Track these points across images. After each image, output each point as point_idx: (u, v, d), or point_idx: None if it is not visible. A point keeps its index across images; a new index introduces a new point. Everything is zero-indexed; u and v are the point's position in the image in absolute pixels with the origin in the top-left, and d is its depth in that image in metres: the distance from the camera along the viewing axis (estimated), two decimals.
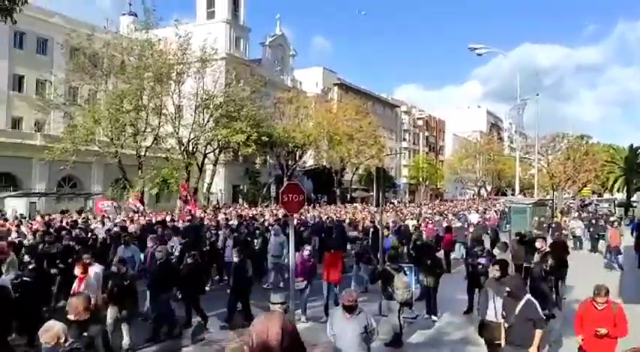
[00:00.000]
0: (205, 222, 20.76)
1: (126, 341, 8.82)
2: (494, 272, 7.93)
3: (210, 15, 51.96)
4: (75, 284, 8.85)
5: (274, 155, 49.96)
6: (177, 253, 13.52)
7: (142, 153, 35.95)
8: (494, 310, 7.44)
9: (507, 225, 23.74)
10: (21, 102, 40.49)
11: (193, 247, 13.11)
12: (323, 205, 44.19)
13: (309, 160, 58.57)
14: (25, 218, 21.17)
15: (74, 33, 34.88)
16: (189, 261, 10.96)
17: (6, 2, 7.60)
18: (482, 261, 11.33)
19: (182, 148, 38.62)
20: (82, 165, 36.56)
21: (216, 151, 42.87)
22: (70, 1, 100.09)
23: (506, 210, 27.29)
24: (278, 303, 5.74)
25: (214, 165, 43.40)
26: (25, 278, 8.92)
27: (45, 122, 40.67)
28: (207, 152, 41.71)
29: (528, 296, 6.86)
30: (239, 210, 30.74)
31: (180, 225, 19.65)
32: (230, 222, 20.54)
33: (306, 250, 11.60)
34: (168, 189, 36.63)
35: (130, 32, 37.22)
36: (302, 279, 11.10)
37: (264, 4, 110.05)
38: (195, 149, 40.12)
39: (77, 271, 8.93)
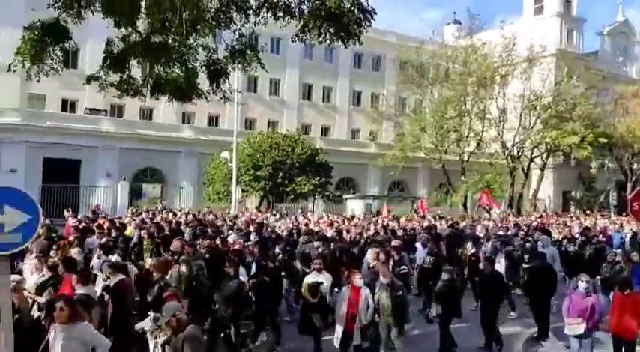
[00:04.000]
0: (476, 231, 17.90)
1: None
2: None
3: (538, 11, 48.95)
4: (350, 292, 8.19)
5: (614, 158, 43.76)
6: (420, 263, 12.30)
7: (465, 158, 36.33)
8: None
9: None
10: (359, 115, 45.96)
11: (449, 260, 11.64)
12: None
13: None
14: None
15: (403, 47, 37.64)
16: (444, 276, 9.33)
17: (354, 27, 8.31)
18: None
19: (506, 152, 37.45)
20: (409, 170, 39.03)
21: (544, 155, 40.05)
22: (401, 18, 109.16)
23: None
24: None
25: (541, 169, 40.64)
26: (264, 278, 9.01)
27: (378, 132, 45.04)
28: (533, 156, 39.36)
29: None
30: (515, 218, 26.77)
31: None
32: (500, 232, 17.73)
33: (583, 282, 8.47)
34: (492, 194, 35.93)
35: (454, 40, 38.09)
36: (580, 321, 8.22)
37: None
38: (520, 153, 38.41)
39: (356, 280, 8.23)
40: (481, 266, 9.93)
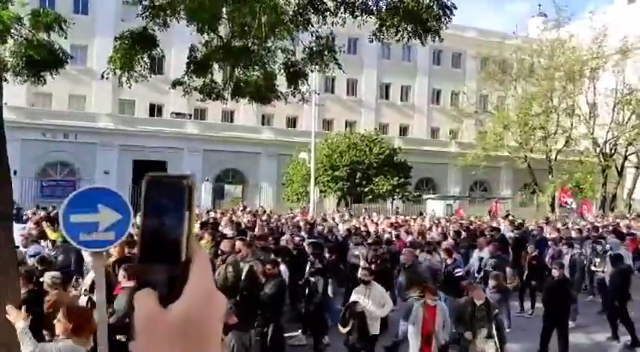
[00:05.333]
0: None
1: None
2: None
3: None
4: (424, 311, 7.60)
5: None
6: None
7: (553, 157, 34.59)
8: None
9: None
10: (438, 114, 44.96)
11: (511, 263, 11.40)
12: None
13: None
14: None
15: (485, 43, 36.47)
16: (491, 283, 8.95)
17: (433, 24, 8.10)
18: None
19: (597, 150, 35.24)
20: (492, 169, 37.68)
21: None
22: (481, 12, 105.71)
23: None
24: None
25: (637, 168, 37.82)
26: (311, 278, 8.80)
27: (458, 130, 43.83)
28: (628, 153, 36.72)
29: None
30: (596, 220, 23.93)
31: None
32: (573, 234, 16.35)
33: None
34: (582, 194, 33.92)
35: (539, 34, 36.43)
36: None
37: None
38: (613, 151, 36.00)
39: None
40: (554, 272, 9.19)
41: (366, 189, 29.51)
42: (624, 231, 17.76)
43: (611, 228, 18.47)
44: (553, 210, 33.40)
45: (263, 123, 39.04)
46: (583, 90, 34.90)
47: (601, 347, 9.73)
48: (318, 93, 19.92)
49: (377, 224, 17.74)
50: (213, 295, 0.59)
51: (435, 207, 31.65)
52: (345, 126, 40.98)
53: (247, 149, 34.01)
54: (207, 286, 0.58)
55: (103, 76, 8.58)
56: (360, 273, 8.09)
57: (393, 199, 31.57)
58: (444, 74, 44.70)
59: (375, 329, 7.58)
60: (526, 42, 35.84)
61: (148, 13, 8.13)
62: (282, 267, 8.89)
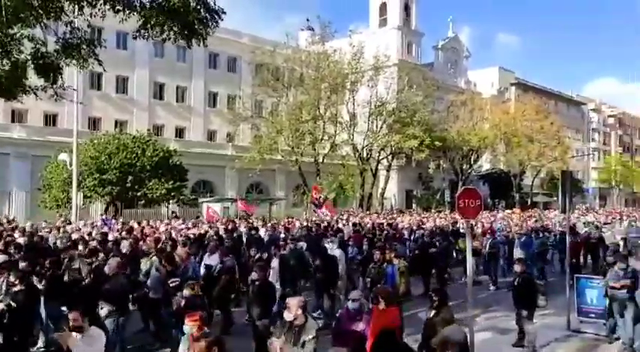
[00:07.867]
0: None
1: None
2: None
3: (383, 23, 52.30)
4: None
5: (448, 159, 48.47)
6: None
7: (320, 161, 37.48)
8: None
9: None
10: (215, 117, 45.10)
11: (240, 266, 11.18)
12: (500, 211, 41.30)
13: (485, 164, 55.78)
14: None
15: (259, 50, 37.76)
16: (185, 292, 7.94)
17: (200, 27, 8.04)
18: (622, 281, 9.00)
19: (357, 155, 39.45)
20: (267, 172, 39.21)
21: (390, 157, 42.93)
22: (262, 22, 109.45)
23: None
24: None
25: (387, 170, 43.50)
26: (10, 303, 7.39)
27: (235, 134, 44.55)
28: (380, 158, 42.01)
29: None
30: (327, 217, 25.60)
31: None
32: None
33: (355, 299, 6.64)
34: (345, 194, 37.59)
35: (307, 46, 39.10)
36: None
37: (440, 6, 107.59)
38: (369, 155, 40.72)
39: None
40: (253, 275, 8.91)
41: (139, 194, 27.98)
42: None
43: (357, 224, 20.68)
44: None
45: (14, 120, 34.14)
46: (344, 101, 38.66)
47: None
48: (75, 90, 18.06)
49: (109, 231, 15.85)
50: None
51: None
52: (115, 125, 38.32)
53: None
54: None
55: None
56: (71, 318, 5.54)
57: (169, 203, 30.61)
58: (220, 77, 45.04)
59: None
60: (296, 53, 38.01)
61: None
62: None
